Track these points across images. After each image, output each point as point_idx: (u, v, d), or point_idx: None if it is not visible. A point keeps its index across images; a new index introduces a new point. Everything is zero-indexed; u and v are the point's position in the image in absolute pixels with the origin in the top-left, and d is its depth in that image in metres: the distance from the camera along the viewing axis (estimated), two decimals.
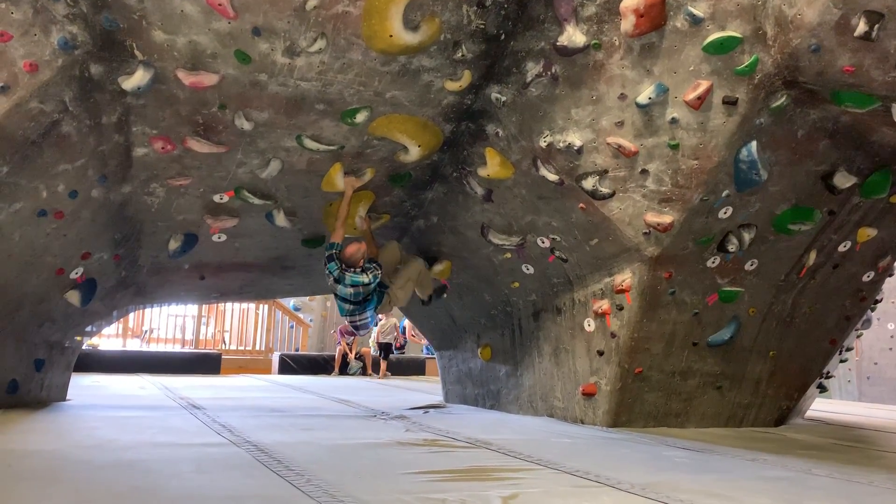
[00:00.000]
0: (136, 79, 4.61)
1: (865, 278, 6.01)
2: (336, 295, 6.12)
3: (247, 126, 5.11)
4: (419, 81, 5.03)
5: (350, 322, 6.29)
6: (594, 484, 3.44)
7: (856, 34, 3.84)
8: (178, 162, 5.38)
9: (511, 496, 3.12)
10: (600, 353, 5.65)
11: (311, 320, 16.94)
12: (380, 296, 6.21)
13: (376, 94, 5.06)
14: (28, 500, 2.86)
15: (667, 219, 5.02)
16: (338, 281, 5.92)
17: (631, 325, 5.45)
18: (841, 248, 5.64)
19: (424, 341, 14.92)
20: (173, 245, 6.21)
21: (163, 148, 5.19)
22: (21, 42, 4.18)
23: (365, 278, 5.90)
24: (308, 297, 16.34)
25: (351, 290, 5.95)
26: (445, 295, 7.06)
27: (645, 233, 5.14)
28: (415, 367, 15.49)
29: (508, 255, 6.23)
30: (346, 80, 4.90)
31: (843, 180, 5.02)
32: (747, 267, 5.49)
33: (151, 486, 3.18)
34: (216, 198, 5.81)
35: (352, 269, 5.90)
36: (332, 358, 14.63)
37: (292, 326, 16.48)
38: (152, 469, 3.57)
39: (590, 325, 5.73)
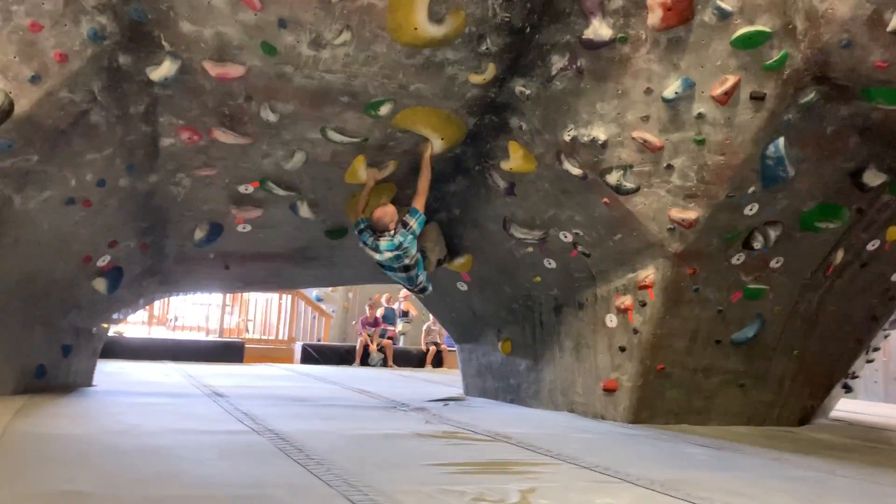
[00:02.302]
0: (164, 69, 4.65)
1: (894, 278, 5.92)
2: (382, 267, 6.10)
3: (272, 118, 5.14)
4: (443, 74, 5.03)
5: (411, 289, 6.25)
6: (614, 480, 3.43)
7: (889, 29, 3.77)
8: (204, 153, 5.43)
9: (529, 490, 3.12)
10: (622, 349, 5.62)
11: (333, 311, 17.05)
12: (423, 258, 6.20)
13: (400, 86, 5.06)
14: (54, 484, 2.92)
15: (692, 215, 4.97)
16: (374, 249, 5.88)
17: (653, 322, 5.42)
18: (869, 247, 5.55)
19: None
20: (199, 234, 6.27)
21: (189, 138, 5.24)
22: (52, 33, 4.24)
23: (398, 239, 5.83)
24: (330, 288, 16.45)
25: (388, 254, 5.87)
26: (456, 261, 6.96)
27: (669, 228, 5.10)
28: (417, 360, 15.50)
29: (530, 249, 6.22)
30: (371, 73, 4.91)
31: (873, 178, 4.94)
32: (773, 264, 5.43)
33: (174, 472, 3.23)
34: (241, 188, 5.86)
35: (386, 236, 5.85)
36: (354, 349, 14.72)
37: (314, 317, 16.60)
38: (175, 455, 3.62)
39: (612, 320, 5.71)
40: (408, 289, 6.42)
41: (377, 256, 5.92)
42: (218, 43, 4.59)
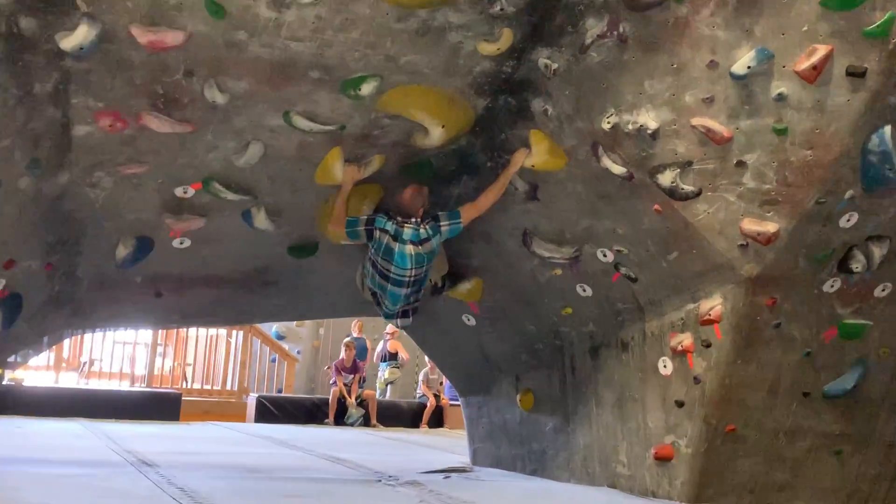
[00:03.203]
0: (79, 36, 4.67)
1: None
2: (388, 276, 6.00)
3: (220, 99, 5.17)
4: (444, 43, 5.06)
5: (403, 308, 6.27)
6: None
7: None
8: (131, 144, 5.45)
9: None
10: (679, 405, 5.61)
11: (298, 352, 17.06)
12: None
13: (388, 58, 5.09)
14: None
15: (770, 227, 4.98)
16: (395, 238, 5.88)
17: (721, 368, 5.41)
18: None
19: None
20: (122, 252, 6.28)
21: (111, 126, 5.26)
22: None
23: (424, 232, 5.90)
24: (295, 323, 16.44)
25: (410, 248, 5.88)
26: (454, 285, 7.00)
27: (741, 245, 5.11)
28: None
29: (558, 271, 6.23)
30: (349, 41, 4.94)
31: None
32: (878, 293, 5.43)
33: None
34: (179, 191, 5.88)
35: (412, 221, 5.92)
36: (326, 402, 14.72)
37: (274, 360, 16.59)
38: None
39: (666, 366, 5.71)
40: (388, 309, 6.32)
41: (396, 247, 5.88)
42: (149, 2, 4.61)
